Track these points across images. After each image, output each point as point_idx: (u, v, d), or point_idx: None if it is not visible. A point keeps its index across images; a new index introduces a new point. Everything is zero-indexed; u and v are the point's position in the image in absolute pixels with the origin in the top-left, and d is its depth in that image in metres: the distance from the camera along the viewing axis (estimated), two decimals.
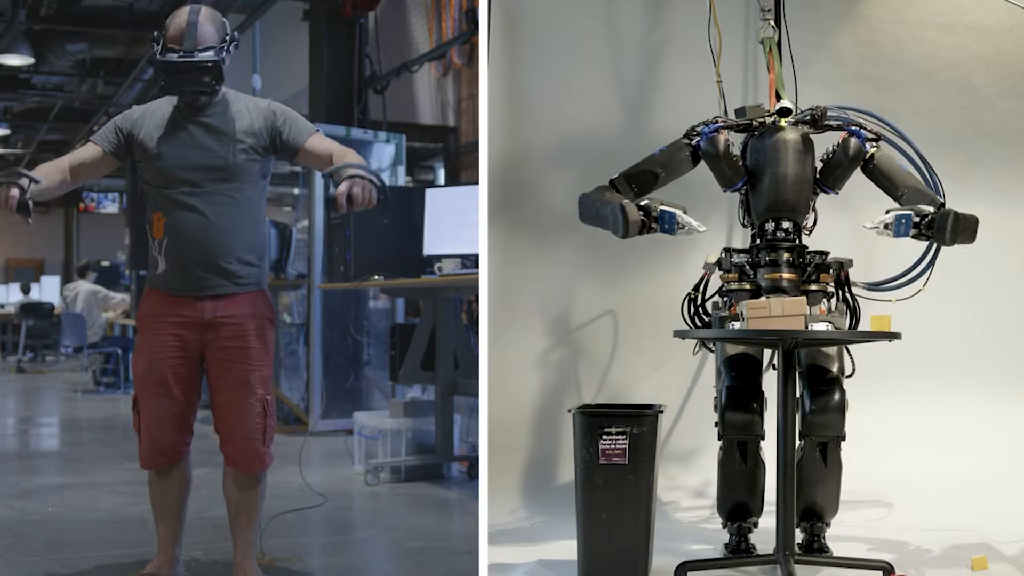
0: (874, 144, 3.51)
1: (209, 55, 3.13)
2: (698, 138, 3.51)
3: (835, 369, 3.53)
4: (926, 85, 4.57)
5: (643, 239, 4.60)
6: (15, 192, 2.98)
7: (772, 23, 3.71)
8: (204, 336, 3.25)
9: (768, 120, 3.50)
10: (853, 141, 3.47)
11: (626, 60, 4.66)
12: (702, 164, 3.54)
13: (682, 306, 3.60)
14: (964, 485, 4.23)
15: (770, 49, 3.71)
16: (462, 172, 11.06)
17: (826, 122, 3.50)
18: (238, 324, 3.25)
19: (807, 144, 3.48)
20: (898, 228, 3.33)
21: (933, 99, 4.55)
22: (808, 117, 3.49)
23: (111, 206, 20.82)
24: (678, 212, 3.38)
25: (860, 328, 3.55)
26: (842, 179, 3.53)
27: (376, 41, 8.42)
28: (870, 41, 4.65)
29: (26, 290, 17.35)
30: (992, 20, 4.58)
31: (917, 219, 3.33)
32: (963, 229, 3.28)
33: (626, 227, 3.32)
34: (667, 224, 3.37)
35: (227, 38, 3.21)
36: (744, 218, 3.62)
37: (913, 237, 3.36)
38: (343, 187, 2.98)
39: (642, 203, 3.38)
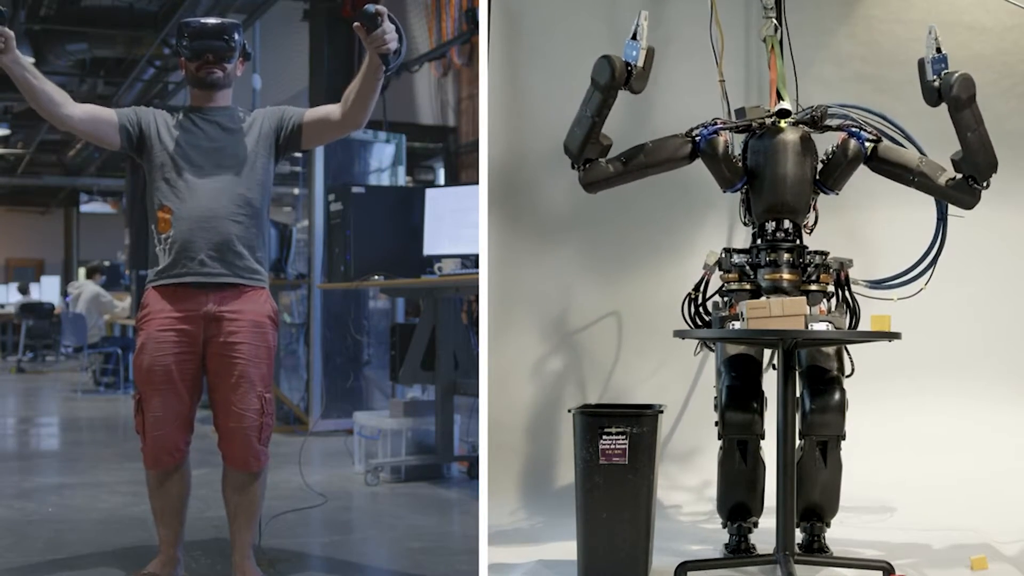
0: (873, 141, 3.51)
1: (231, 21, 3.35)
2: (698, 138, 3.50)
3: (835, 368, 3.53)
4: None
5: (644, 239, 4.63)
6: None
7: (774, 21, 3.71)
8: (207, 331, 3.28)
9: (768, 121, 3.50)
10: (852, 142, 3.47)
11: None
12: (697, 163, 3.54)
13: (682, 306, 3.60)
14: (964, 485, 4.23)
15: (772, 47, 3.70)
16: (462, 172, 11.06)
17: (826, 122, 3.50)
18: (241, 319, 3.29)
19: (807, 145, 3.48)
20: (937, 62, 3.35)
21: None
22: (808, 117, 3.49)
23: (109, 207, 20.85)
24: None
25: (860, 328, 3.55)
26: (842, 180, 3.53)
27: None
28: (870, 41, 4.64)
29: (24, 290, 17.35)
30: (992, 20, 4.58)
31: (943, 73, 3.34)
32: (966, 88, 3.32)
33: (612, 67, 3.32)
34: (632, 51, 3.36)
35: (242, 43, 3.37)
36: (745, 217, 3.62)
37: (933, 84, 3.37)
38: (377, 7, 3.03)
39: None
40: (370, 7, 3.02)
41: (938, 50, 3.35)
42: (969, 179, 3.43)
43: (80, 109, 3.27)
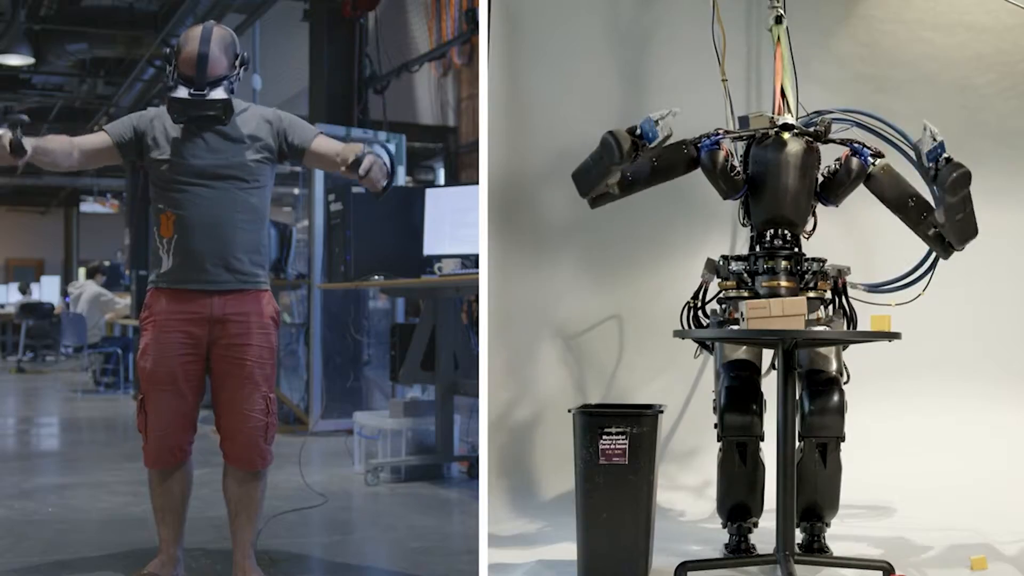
0: (874, 160, 3.50)
1: (219, 93, 3.24)
2: (700, 148, 3.50)
3: (833, 370, 3.53)
4: (926, 85, 4.57)
5: (646, 240, 4.63)
6: (6, 136, 3.03)
7: (779, 10, 3.70)
8: (212, 333, 3.29)
9: (771, 132, 3.48)
10: (855, 161, 3.47)
11: (627, 60, 4.65)
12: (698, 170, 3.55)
13: (682, 314, 3.60)
14: (964, 485, 4.23)
15: (778, 39, 3.68)
16: (462, 172, 11.05)
17: (829, 136, 3.49)
18: (245, 321, 3.30)
19: (809, 158, 3.46)
20: (932, 151, 3.33)
21: (933, 99, 4.54)
22: (812, 130, 3.48)
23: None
24: (652, 114, 3.38)
25: (860, 329, 3.55)
26: (843, 196, 3.54)
27: (376, 41, 8.42)
28: (870, 41, 4.64)
29: (24, 290, 17.35)
30: (992, 20, 4.58)
31: (941, 157, 3.32)
32: (961, 186, 3.30)
33: (620, 149, 3.33)
34: (650, 132, 3.36)
35: (237, 62, 3.31)
36: (744, 218, 3.62)
37: (929, 171, 3.36)
38: (367, 161, 3.06)
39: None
40: (361, 156, 3.04)
41: (933, 138, 3.34)
42: (948, 241, 3.46)
43: (79, 152, 3.30)
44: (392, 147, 3.76)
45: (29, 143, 3.08)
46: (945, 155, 3.33)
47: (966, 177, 3.30)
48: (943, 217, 3.38)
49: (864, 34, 4.65)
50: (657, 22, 4.64)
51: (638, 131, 3.39)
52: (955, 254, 3.52)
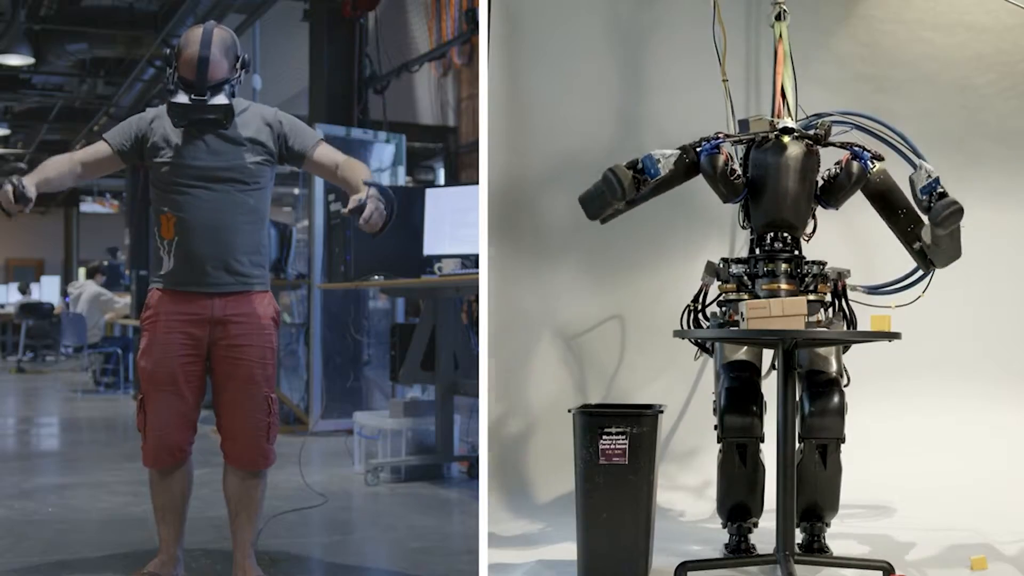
0: (874, 164, 3.50)
1: (221, 98, 3.23)
2: (700, 153, 3.50)
3: (833, 372, 3.53)
4: (926, 85, 4.57)
5: (647, 240, 4.63)
6: (8, 187, 3.10)
7: (782, 6, 3.69)
8: (212, 334, 3.29)
9: (771, 135, 3.48)
10: (855, 164, 3.47)
11: (627, 60, 4.66)
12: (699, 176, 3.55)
13: (682, 317, 3.60)
14: (964, 485, 4.23)
15: (780, 35, 3.67)
16: (462, 172, 11.05)
17: (829, 139, 3.49)
18: (246, 322, 3.31)
19: (809, 161, 3.46)
20: (927, 186, 3.36)
21: (933, 99, 4.54)
22: (812, 133, 3.48)
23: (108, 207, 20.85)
24: (653, 152, 3.43)
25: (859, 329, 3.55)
26: (843, 199, 3.54)
27: (376, 41, 8.42)
28: (870, 41, 4.64)
29: (24, 290, 17.35)
30: (992, 20, 4.58)
31: (935, 192, 3.35)
32: (952, 222, 3.32)
33: (621, 186, 3.39)
34: (651, 168, 3.42)
35: (238, 65, 3.30)
36: (744, 221, 3.62)
37: (923, 204, 3.40)
38: (368, 209, 3.07)
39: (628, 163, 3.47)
40: (363, 203, 3.06)
41: (928, 174, 3.37)
42: (930, 259, 3.50)
43: (81, 168, 3.35)
44: (392, 158, 3.75)
45: (32, 188, 3.14)
46: (940, 189, 3.34)
47: (958, 214, 3.32)
48: (930, 239, 3.39)
49: (864, 34, 4.65)
50: (657, 22, 4.64)
51: (639, 165, 3.42)
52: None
